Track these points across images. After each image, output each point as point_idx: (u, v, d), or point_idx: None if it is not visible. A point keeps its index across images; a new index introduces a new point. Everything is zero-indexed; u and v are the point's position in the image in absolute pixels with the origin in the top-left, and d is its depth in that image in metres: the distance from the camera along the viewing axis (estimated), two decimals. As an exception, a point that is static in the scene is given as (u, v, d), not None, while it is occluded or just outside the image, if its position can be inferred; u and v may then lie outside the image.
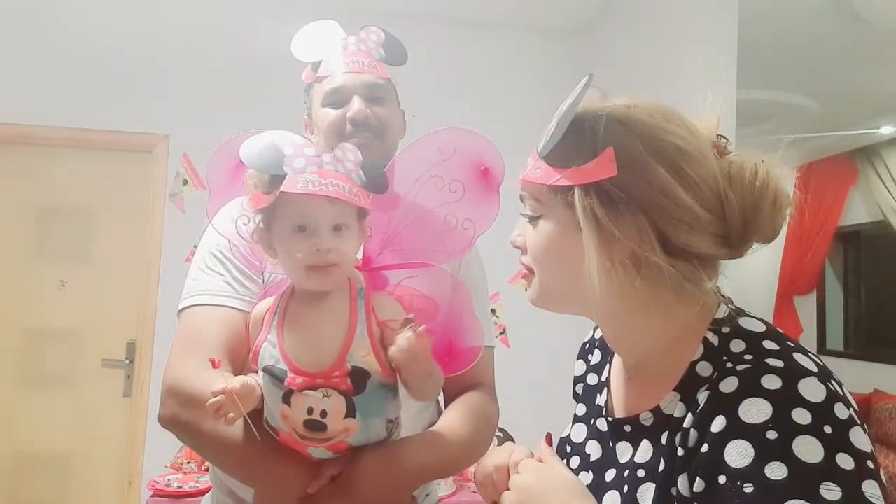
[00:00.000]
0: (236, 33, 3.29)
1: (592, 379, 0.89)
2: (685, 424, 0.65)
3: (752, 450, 0.58)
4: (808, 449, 0.57)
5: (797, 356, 0.64)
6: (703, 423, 0.63)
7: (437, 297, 0.96)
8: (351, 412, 0.84)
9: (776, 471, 0.56)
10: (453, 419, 1.05)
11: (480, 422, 1.07)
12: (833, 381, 0.62)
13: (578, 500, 0.70)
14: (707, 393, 0.64)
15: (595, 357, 0.90)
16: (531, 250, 0.76)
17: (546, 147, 0.72)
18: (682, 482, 0.64)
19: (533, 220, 0.75)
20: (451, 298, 0.99)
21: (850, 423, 0.59)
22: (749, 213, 0.68)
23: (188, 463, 2.56)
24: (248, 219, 0.94)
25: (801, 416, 0.58)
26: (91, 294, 3.24)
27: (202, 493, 1.80)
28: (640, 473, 0.70)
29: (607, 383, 0.84)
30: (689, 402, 0.67)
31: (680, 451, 0.65)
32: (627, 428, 0.75)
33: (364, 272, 0.95)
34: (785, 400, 0.59)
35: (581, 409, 0.88)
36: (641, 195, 0.67)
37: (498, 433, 2.77)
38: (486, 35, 3.52)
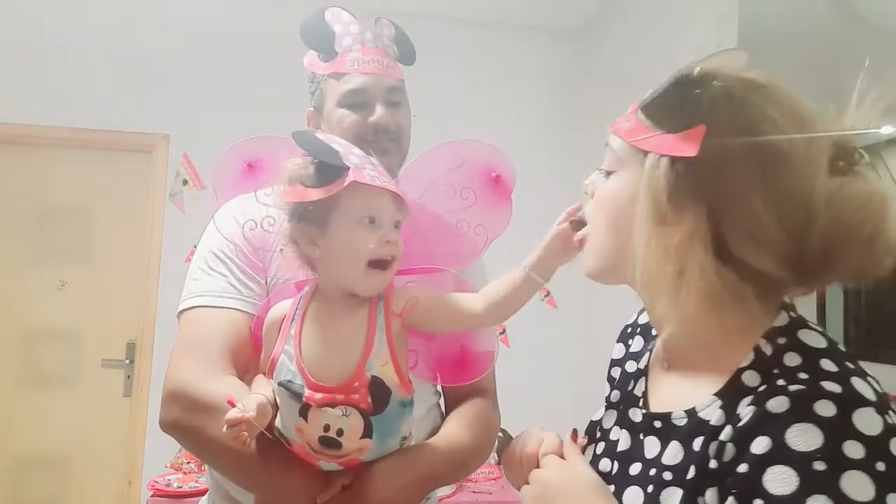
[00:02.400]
0: (237, 33, 3.29)
1: (631, 366, 0.84)
2: (722, 437, 0.61)
3: (796, 478, 0.54)
4: (858, 486, 0.53)
5: (855, 381, 0.58)
6: (743, 440, 0.58)
7: None
8: (368, 433, 0.82)
9: None
10: (458, 428, 1.04)
11: (483, 429, 1.07)
12: (892, 413, 0.57)
13: (598, 502, 0.68)
14: (752, 408, 0.59)
15: (636, 344, 0.86)
16: (596, 202, 0.73)
17: (646, 99, 0.67)
18: (710, 495, 0.60)
19: (608, 173, 0.72)
20: None
21: None
22: (835, 243, 0.60)
23: (188, 463, 2.57)
24: (255, 224, 0.93)
25: (854, 450, 0.54)
26: (91, 294, 3.24)
27: (202, 493, 1.79)
28: (667, 476, 0.66)
29: (645, 372, 0.79)
30: (730, 412, 0.62)
31: (713, 464, 0.61)
32: (658, 424, 0.71)
33: None
34: (838, 430, 0.55)
35: (616, 396, 0.83)
36: (713, 189, 0.61)
37: (499, 434, 2.78)
38: (487, 35, 3.52)
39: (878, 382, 0.60)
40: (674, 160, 0.63)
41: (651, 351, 0.82)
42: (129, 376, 3.24)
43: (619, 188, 0.70)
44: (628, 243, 0.67)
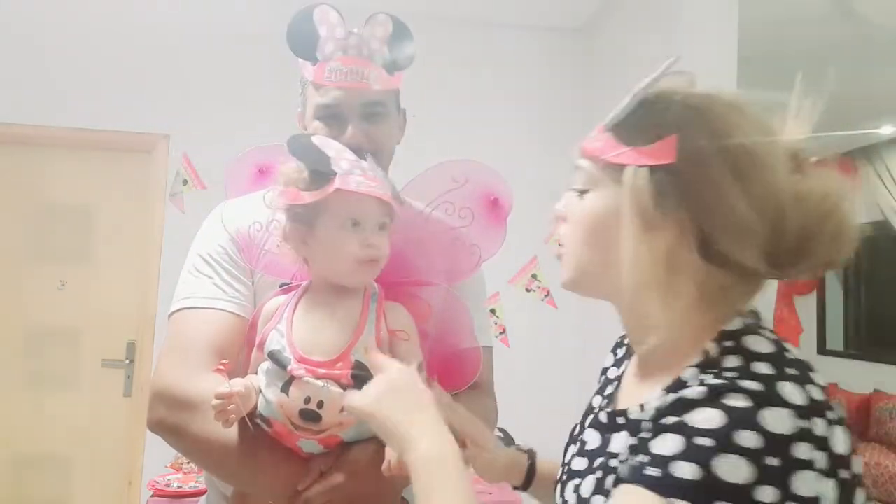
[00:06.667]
0: (237, 33, 3.29)
1: (613, 372, 0.89)
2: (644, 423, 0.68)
3: (681, 444, 0.57)
4: (731, 468, 0.54)
5: (784, 385, 0.58)
6: (656, 421, 0.63)
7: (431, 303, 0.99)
8: None
9: (686, 471, 0.55)
10: None
11: None
12: (822, 422, 0.57)
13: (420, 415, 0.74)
14: (673, 396, 0.62)
15: (621, 352, 0.91)
16: (572, 222, 0.75)
17: (612, 120, 0.72)
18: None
19: (581, 192, 0.74)
20: (447, 317, 1.01)
21: (806, 467, 0.55)
22: (807, 235, 0.64)
23: (188, 463, 2.57)
24: (262, 226, 0.97)
25: (749, 440, 0.55)
26: (91, 294, 3.24)
27: (202, 493, 1.80)
28: (613, 463, 0.71)
29: (621, 378, 0.84)
30: None
31: (634, 441, 0.68)
32: (621, 420, 0.75)
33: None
34: (740, 419, 0.56)
35: (598, 401, 0.87)
36: (695, 192, 0.65)
37: (498, 433, 2.77)
38: (486, 35, 3.52)
39: (823, 393, 0.60)
40: (653, 169, 0.66)
41: (628, 358, 0.85)
42: (129, 376, 3.24)
43: (597, 204, 0.72)
44: (608, 256, 0.70)
